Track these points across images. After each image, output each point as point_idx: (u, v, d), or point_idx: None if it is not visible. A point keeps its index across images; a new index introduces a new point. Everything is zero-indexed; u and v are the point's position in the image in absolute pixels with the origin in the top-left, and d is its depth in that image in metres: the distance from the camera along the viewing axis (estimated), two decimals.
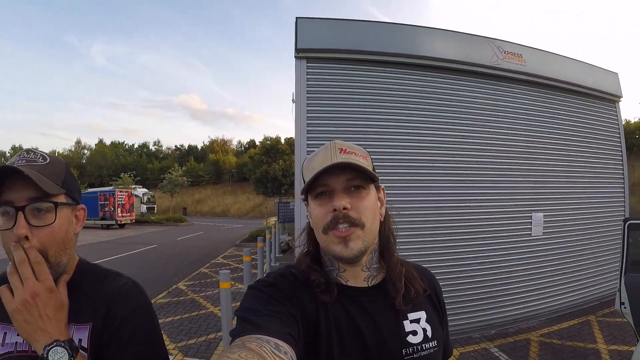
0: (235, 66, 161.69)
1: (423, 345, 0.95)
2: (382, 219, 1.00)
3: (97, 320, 0.97)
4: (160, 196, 46.93)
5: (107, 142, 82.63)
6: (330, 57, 4.93)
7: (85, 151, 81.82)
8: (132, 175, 42.28)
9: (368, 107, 4.97)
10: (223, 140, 78.79)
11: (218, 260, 13.05)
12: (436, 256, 5.07)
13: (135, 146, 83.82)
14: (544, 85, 5.81)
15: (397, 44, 5.06)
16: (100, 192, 30.73)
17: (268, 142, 34.16)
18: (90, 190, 35.23)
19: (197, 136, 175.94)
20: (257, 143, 56.93)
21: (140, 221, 33.02)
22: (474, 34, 5.46)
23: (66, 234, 0.98)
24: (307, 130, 4.87)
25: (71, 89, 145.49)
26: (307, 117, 4.88)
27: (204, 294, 8.32)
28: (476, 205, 5.26)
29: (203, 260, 13.07)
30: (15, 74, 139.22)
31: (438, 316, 1.05)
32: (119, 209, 28.68)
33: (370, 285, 0.98)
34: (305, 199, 0.99)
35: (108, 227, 28.52)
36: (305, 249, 1.02)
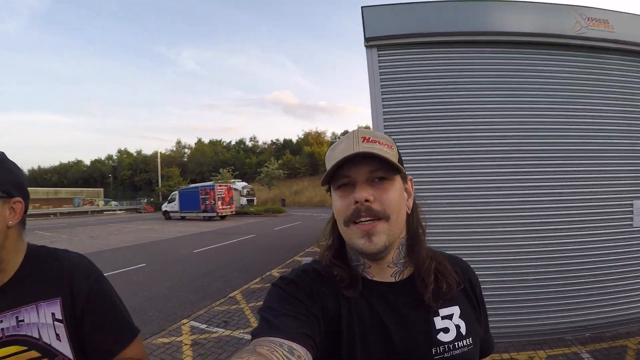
0: (324, 60, 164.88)
1: (456, 343, 0.89)
2: (409, 211, 0.95)
3: (65, 294, 1.09)
4: (259, 189, 48.97)
5: (206, 140, 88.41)
6: (399, 43, 4.81)
7: (186, 150, 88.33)
8: (230, 170, 44.63)
9: (442, 91, 4.77)
10: (317, 132, 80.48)
11: (313, 249, 13.24)
12: (520, 247, 4.76)
13: (233, 143, 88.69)
14: (636, 53, 5.19)
15: (466, 22, 4.80)
16: (201, 187, 32.82)
17: None
18: (191, 185, 37.75)
19: (292, 130, 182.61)
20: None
21: (240, 213, 34.96)
22: (551, 2, 4.95)
23: None
24: (384, 119, 4.82)
25: (167, 94, 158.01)
26: (383, 105, 4.82)
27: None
28: (565, 193, 4.85)
29: (298, 248, 13.46)
30: (116, 86, 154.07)
31: (474, 311, 0.98)
32: (219, 202, 30.59)
33: (397, 280, 0.93)
34: (329, 190, 0.94)
35: (210, 219, 30.64)
36: (329, 242, 0.97)
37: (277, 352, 0.67)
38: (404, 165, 0.96)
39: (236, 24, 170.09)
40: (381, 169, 0.87)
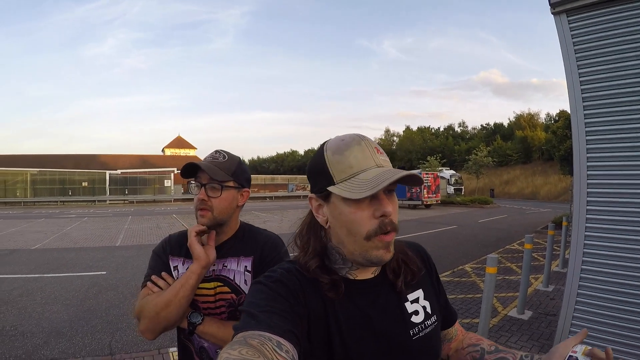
0: (531, 29, 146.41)
1: (426, 322, 0.99)
2: None
3: (257, 255, 1.55)
4: (467, 177, 47.31)
5: (414, 127, 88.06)
6: (593, 3, 3.85)
7: (395, 138, 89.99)
8: (438, 157, 43.82)
9: None
10: (529, 114, 72.00)
11: (513, 246, 12.31)
12: None
13: (441, 129, 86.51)
14: None
15: None
16: None
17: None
18: None
19: (503, 113, 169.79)
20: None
21: (446, 202, 34.22)
22: None
23: (229, 204, 1.54)
24: (582, 90, 4.01)
25: (374, 84, 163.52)
26: (580, 78, 3.99)
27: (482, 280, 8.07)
28: None
29: (497, 244, 12.62)
30: (324, 82, 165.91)
31: (434, 289, 1.10)
32: (425, 190, 30.31)
33: (375, 275, 0.99)
34: (324, 197, 0.92)
35: (414, 207, 30.63)
36: (311, 251, 0.96)
37: (267, 345, 0.70)
38: None
39: (426, 4, 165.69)
40: (394, 182, 0.86)
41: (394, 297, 0.98)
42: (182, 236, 1.62)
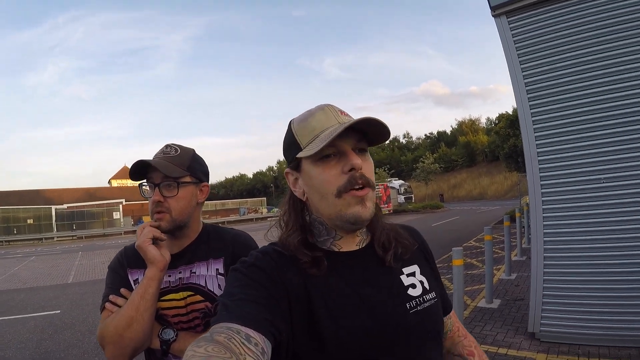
0: (465, 40, 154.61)
1: (424, 297, 0.94)
2: None
3: (228, 255, 1.41)
4: (416, 185, 48.56)
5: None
6: (532, 3, 4.18)
7: None
8: (386, 169, 44.88)
9: (595, 53, 3.94)
10: (470, 119, 76.04)
11: (470, 243, 12.85)
12: None
13: (386, 142, 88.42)
14: None
15: None
16: None
17: (512, 113, 31.48)
18: None
19: (445, 121, 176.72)
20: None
21: (398, 211, 34.84)
22: None
23: (188, 202, 1.40)
24: (527, 91, 4.28)
25: (318, 102, 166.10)
26: (524, 77, 4.28)
27: (449, 275, 8.30)
28: None
29: (453, 244, 12.85)
30: (269, 103, 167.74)
31: (430, 269, 1.04)
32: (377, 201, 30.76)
33: (361, 247, 0.96)
34: (296, 167, 0.93)
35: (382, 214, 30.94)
36: (292, 226, 0.94)
37: (234, 339, 0.67)
38: None
39: (364, 22, 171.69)
40: (364, 140, 0.89)
41: (386, 270, 0.94)
42: None
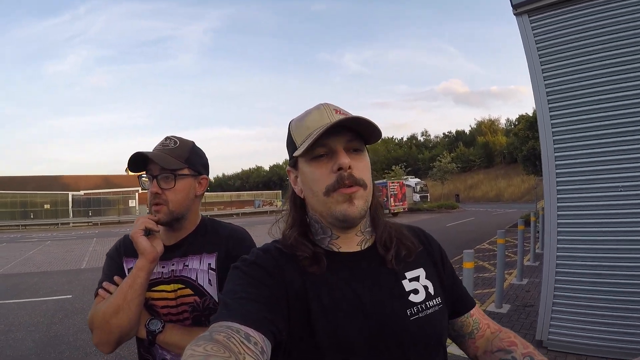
0: (488, 39, 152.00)
1: (427, 303, 0.92)
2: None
3: (221, 251, 1.40)
4: (432, 184, 48.24)
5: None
6: (555, 2, 4.04)
7: None
8: (402, 166, 44.61)
9: (617, 50, 3.78)
10: (490, 120, 74.90)
11: (483, 245, 12.67)
12: None
13: (404, 139, 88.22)
14: None
15: None
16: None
17: (532, 114, 30.96)
18: None
19: (464, 120, 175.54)
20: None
21: (413, 209, 34.66)
22: None
23: (186, 195, 1.40)
24: (547, 92, 4.18)
25: (337, 97, 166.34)
26: (544, 77, 4.17)
27: (460, 278, 8.20)
28: None
29: (467, 245, 12.74)
30: (286, 95, 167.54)
31: (437, 270, 1.01)
32: (392, 199, 30.67)
33: (363, 248, 0.95)
34: (293, 166, 0.96)
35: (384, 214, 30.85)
36: (291, 221, 0.97)
37: (234, 338, 0.67)
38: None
39: (384, 18, 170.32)
40: (356, 139, 0.89)
41: (388, 273, 0.93)
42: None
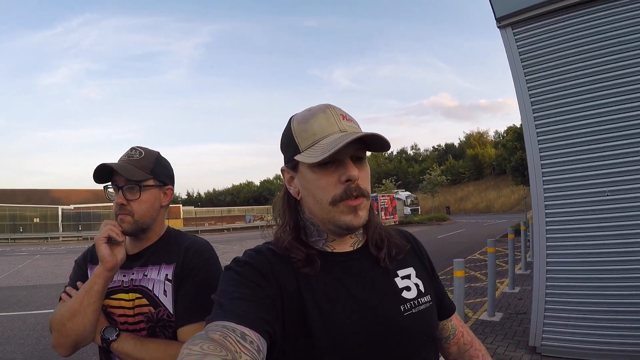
0: (476, 52, 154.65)
1: (419, 299, 0.94)
2: None
3: (178, 262, 1.38)
4: (423, 197, 48.34)
5: (367, 153, 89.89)
6: (538, 15, 4.17)
7: None
8: (393, 180, 44.81)
9: (600, 59, 3.90)
10: (478, 132, 76.09)
11: (474, 256, 12.71)
12: None
13: (394, 153, 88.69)
14: None
15: None
16: None
17: (519, 126, 31.37)
18: None
19: (454, 133, 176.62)
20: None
21: (403, 222, 34.63)
22: None
23: (151, 206, 1.41)
24: (532, 103, 4.27)
25: None
26: (529, 88, 4.27)
27: (451, 287, 8.23)
28: None
29: (458, 255, 12.73)
30: (276, 110, 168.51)
31: (426, 272, 1.04)
32: (382, 212, 30.77)
33: (355, 248, 0.97)
34: (293, 167, 0.93)
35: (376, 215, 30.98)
36: (284, 223, 0.96)
37: (230, 337, 0.67)
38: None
39: (374, 34, 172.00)
40: (363, 148, 0.90)
41: (381, 271, 0.94)
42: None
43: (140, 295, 1.35)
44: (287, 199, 0.97)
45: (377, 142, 0.88)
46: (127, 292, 1.36)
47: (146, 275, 1.37)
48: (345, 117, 0.91)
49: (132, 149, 1.44)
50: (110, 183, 1.39)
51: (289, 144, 0.92)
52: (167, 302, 1.34)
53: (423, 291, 0.96)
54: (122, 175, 1.34)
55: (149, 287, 1.35)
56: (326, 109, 0.91)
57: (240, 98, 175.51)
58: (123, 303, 1.36)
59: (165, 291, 1.34)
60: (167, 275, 1.37)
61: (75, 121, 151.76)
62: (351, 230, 0.90)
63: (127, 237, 1.40)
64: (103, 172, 1.36)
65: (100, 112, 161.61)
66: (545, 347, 4.13)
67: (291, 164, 0.93)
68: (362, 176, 0.88)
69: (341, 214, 0.86)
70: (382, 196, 32.09)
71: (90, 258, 1.46)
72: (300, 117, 0.92)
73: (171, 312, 1.33)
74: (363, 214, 0.88)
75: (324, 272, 0.89)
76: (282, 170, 0.98)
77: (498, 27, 4.41)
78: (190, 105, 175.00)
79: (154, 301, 1.34)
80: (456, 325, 1.12)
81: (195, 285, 1.34)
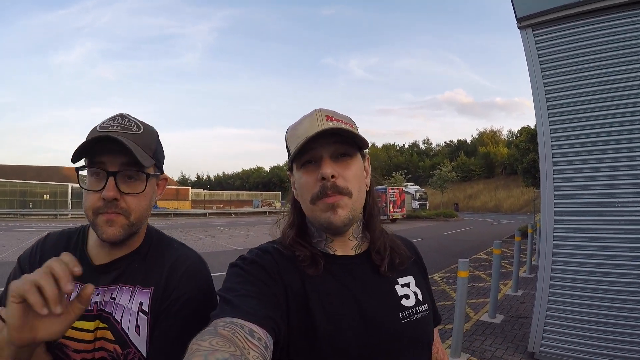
0: (494, 50, 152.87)
1: (417, 308, 0.95)
2: (367, 189, 0.99)
3: (158, 286, 1.00)
4: (432, 192, 48.17)
5: (379, 144, 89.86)
6: (559, 17, 4.09)
7: None
8: (403, 173, 44.62)
9: (619, 67, 3.80)
10: (492, 131, 75.54)
11: (479, 255, 12.69)
12: None
13: (406, 146, 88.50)
14: None
15: None
16: None
17: (533, 127, 31.00)
18: None
19: (466, 130, 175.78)
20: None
21: (411, 216, 34.65)
22: None
23: (150, 202, 1.03)
24: (548, 106, 4.21)
25: (341, 102, 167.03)
26: (546, 91, 4.21)
27: (455, 286, 8.22)
28: None
29: (464, 254, 12.75)
30: (289, 97, 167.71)
31: (425, 282, 1.06)
32: (391, 205, 30.62)
33: (357, 253, 0.98)
34: (290, 170, 0.98)
35: (381, 222, 30.86)
36: (290, 221, 1.00)
37: (238, 333, 0.67)
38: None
39: (392, 26, 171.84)
40: (344, 145, 0.90)
41: (381, 278, 0.95)
42: (65, 235, 1.09)
43: (105, 326, 0.96)
44: (294, 201, 1.00)
45: (352, 138, 0.89)
46: (88, 319, 0.95)
47: (114, 299, 0.98)
48: (331, 117, 0.92)
49: (123, 117, 1.01)
50: (86, 163, 0.95)
51: (287, 150, 0.97)
52: (140, 341, 0.96)
53: (421, 300, 0.98)
54: (123, 156, 0.94)
55: (117, 318, 0.96)
56: (314, 112, 0.93)
57: (252, 84, 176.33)
58: (81, 335, 0.95)
59: (137, 327, 0.96)
60: (141, 304, 0.98)
61: (86, 100, 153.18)
62: (332, 228, 0.90)
63: (96, 243, 1.03)
64: (88, 148, 0.92)
65: (114, 92, 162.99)
66: (543, 354, 4.11)
67: (289, 166, 0.98)
68: (344, 173, 0.89)
69: (321, 212, 0.88)
70: (392, 189, 31.92)
71: (41, 256, 1.04)
72: (292, 125, 0.97)
73: (144, 354, 0.96)
74: (343, 212, 0.88)
75: (328, 273, 0.90)
76: (288, 175, 1.02)
77: (518, 27, 4.33)
78: (204, 89, 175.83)
79: (122, 339, 0.95)
80: (435, 339, 1.13)
81: (181, 322, 0.97)
